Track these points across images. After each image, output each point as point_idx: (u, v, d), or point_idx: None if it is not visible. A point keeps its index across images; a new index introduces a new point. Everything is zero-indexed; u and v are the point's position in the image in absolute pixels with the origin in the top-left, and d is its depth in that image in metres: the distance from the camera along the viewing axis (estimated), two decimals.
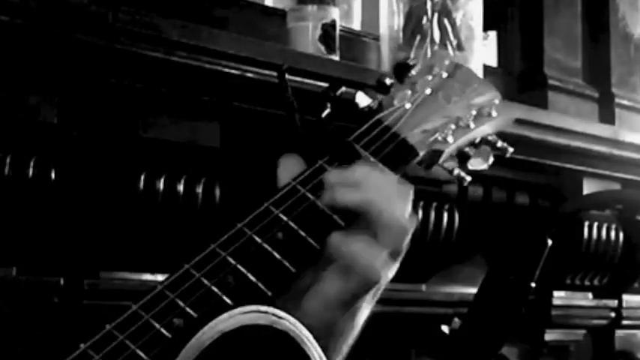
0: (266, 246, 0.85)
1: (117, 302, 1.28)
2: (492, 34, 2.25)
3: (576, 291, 2.22)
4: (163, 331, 0.79)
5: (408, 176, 1.87)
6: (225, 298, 0.82)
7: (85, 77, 1.35)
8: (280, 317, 0.80)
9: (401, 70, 1.02)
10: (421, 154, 0.96)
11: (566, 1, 2.27)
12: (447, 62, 1.05)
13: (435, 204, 1.86)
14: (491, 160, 1.03)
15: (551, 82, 2.21)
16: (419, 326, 1.87)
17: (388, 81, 1.00)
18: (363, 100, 0.97)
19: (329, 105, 0.95)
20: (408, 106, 0.98)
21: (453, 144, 1.00)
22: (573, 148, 2.10)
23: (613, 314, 2.31)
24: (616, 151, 2.18)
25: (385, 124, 0.95)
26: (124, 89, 1.38)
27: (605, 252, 2.20)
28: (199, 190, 1.47)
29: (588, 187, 2.15)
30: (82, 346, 0.78)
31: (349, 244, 0.84)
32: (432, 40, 1.87)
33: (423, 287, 1.92)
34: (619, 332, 2.33)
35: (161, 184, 1.43)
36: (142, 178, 1.41)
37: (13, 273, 1.33)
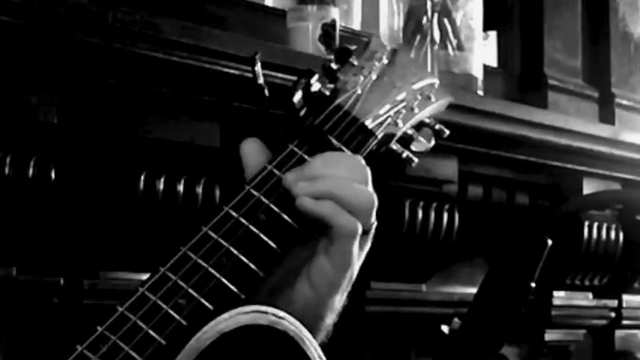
0: (252, 228, 0.90)
1: (117, 302, 1.28)
2: (492, 34, 2.25)
3: (576, 291, 2.22)
4: (171, 312, 0.83)
5: (405, 174, 1.87)
6: (223, 279, 0.86)
7: (85, 77, 1.35)
8: (280, 317, 0.80)
9: (342, 55, 1.05)
10: (379, 137, 1.00)
11: (566, 1, 2.27)
12: (388, 48, 1.09)
13: (435, 204, 1.86)
14: (433, 142, 1.07)
15: (551, 82, 2.21)
16: (419, 326, 1.87)
17: (334, 66, 1.04)
18: (315, 85, 1.00)
19: (301, 92, 0.99)
20: (359, 91, 1.02)
21: (402, 127, 1.04)
22: (573, 148, 2.10)
23: (613, 314, 2.31)
24: (616, 151, 2.18)
25: (344, 109, 0.99)
26: (124, 89, 1.38)
27: (605, 252, 2.19)
28: (199, 190, 1.47)
29: (588, 187, 2.15)
30: (99, 328, 0.82)
31: (320, 204, 0.89)
32: (432, 40, 1.87)
33: (423, 287, 1.92)
34: (619, 332, 2.34)
35: (161, 184, 1.43)
36: (142, 178, 1.41)
37: (13, 273, 1.33)
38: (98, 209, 1.40)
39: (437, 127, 1.08)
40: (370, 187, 0.92)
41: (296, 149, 0.95)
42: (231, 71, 1.46)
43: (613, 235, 2.20)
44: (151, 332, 0.82)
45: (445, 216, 1.87)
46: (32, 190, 1.31)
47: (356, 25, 1.96)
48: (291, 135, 0.96)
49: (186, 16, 1.47)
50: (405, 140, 1.05)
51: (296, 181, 0.90)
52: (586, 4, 2.33)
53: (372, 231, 0.93)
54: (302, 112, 0.98)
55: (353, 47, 1.06)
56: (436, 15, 1.87)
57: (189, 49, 1.41)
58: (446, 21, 1.88)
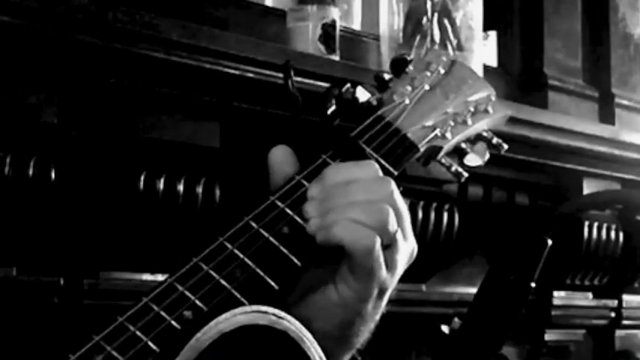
0: (273, 240, 0.86)
1: (117, 302, 1.28)
2: (492, 34, 2.25)
3: (576, 291, 2.22)
4: (174, 323, 0.80)
5: (407, 174, 1.87)
6: (234, 291, 0.83)
7: (85, 77, 1.35)
8: (280, 317, 0.80)
9: (398, 64, 1.03)
10: (421, 150, 0.98)
11: (566, 1, 2.27)
12: (444, 59, 1.06)
13: (435, 204, 1.86)
14: (487, 156, 1.04)
15: (551, 82, 2.21)
16: (419, 326, 1.87)
17: (386, 76, 1.02)
18: (362, 95, 0.98)
19: (334, 102, 0.96)
20: (407, 101, 0.99)
21: (451, 140, 1.01)
22: (573, 148, 2.10)
23: (613, 314, 2.31)
24: (616, 151, 2.18)
25: (387, 119, 0.96)
26: (124, 89, 1.38)
27: (605, 252, 2.19)
28: (199, 190, 1.47)
29: (588, 187, 2.15)
30: (95, 337, 0.79)
31: (331, 231, 0.87)
32: (432, 40, 1.87)
33: (423, 287, 1.92)
34: (619, 332, 2.33)
35: (161, 184, 1.43)
36: (142, 178, 1.41)
37: (13, 273, 1.33)
38: (98, 209, 1.40)
39: (494, 141, 1.05)
40: (389, 197, 0.89)
41: (329, 160, 0.91)
42: (231, 71, 1.46)
43: (613, 235, 2.20)
44: (150, 344, 0.79)
45: (445, 216, 1.87)
46: (32, 190, 1.31)
47: (356, 25, 1.96)
48: (325, 145, 0.92)
49: (186, 16, 1.47)
50: (457, 153, 1.03)
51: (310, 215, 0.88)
52: (586, 5, 2.33)
53: (400, 240, 0.91)
54: (335, 122, 0.95)
55: (409, 57, 1.03)
56: (436, 15, 1.87)
57: (189, 49, 1.41)
58: (446, 21, 1.88)
